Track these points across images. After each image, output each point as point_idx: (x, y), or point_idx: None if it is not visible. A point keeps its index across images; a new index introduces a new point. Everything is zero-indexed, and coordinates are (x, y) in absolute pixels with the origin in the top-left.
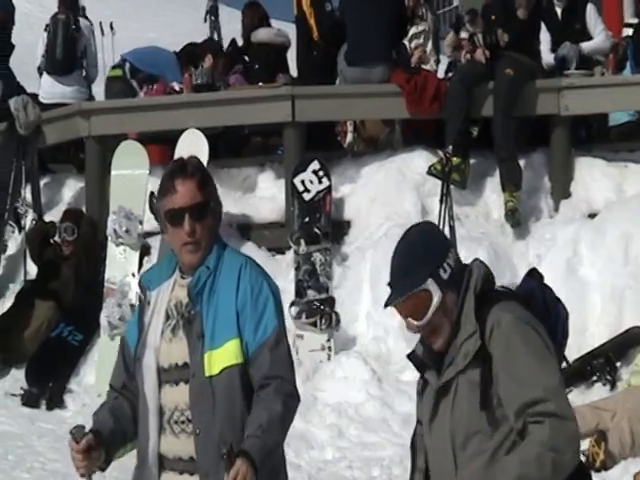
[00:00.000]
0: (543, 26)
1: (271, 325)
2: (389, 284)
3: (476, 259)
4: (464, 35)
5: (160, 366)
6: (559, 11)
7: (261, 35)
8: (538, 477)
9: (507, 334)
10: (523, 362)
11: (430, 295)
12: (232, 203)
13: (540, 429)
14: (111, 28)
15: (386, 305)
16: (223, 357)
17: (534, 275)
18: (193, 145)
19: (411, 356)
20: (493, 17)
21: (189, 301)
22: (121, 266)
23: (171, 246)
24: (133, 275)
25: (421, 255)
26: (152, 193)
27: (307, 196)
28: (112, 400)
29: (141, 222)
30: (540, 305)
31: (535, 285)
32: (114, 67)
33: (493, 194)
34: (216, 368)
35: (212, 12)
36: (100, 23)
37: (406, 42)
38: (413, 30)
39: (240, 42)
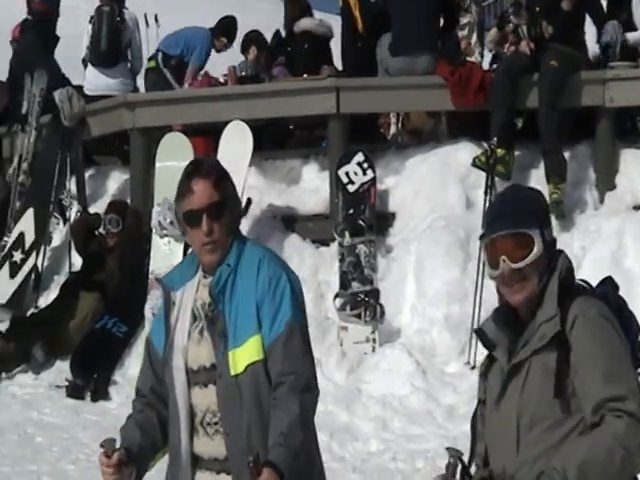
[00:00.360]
0: (588, 17)
1: (285, 318)
2: (491, 220)
3: (561, 250)
4: (508, 30)
5: (189, 367)
6: (604, 2)
7: (304, 24)
8: (603, 468)
9: (593, 328)
10: (609, 358)
11: (532, 244)
12: (276, 195)
13: (617, 422)
14: (156, 20)
15: (481, 238)
16: (246, 354)
17: (609, 283)
18: (237, 137)
19: (479, 332)
20: (537, 9)
21: (211, 300)
22: (165, 258)
23: (192, 247)
24: None
25: (533, 206)
26: (78, 222)
27: (351, 188)
28: (137, 413)
29: None
30: (615, 311)
31: (610, 291)
32: (149, 59)
33: (537, 186)
34: (240, 366)
35: None
36: (145, 15)
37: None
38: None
39: (284, 34)
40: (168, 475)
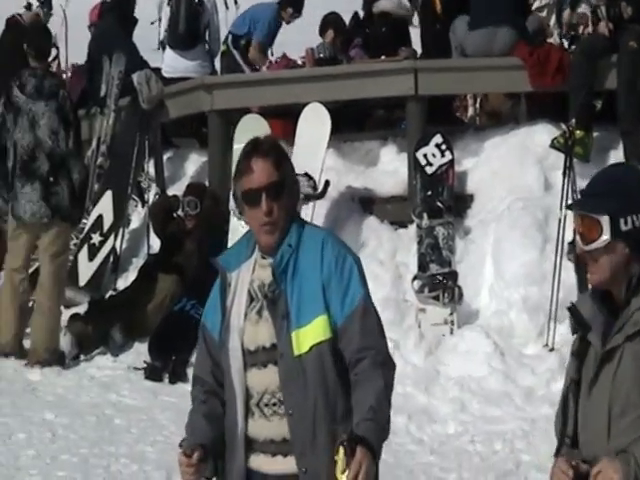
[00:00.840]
0: None
1: (358, 295)
2: (580, 195)
3: None
4: (583, 10)
5: (246, 349)
6: None
7: (383, 5)
8: None
9: None
10: None
11: (600, 230)
12: (354, 177)
13: None
14: (235, 2)
15: (567, 207)
16: (312, 334)
17: None
18: (315, 119)
19: (572, 310)
20: None
21: (272, 281)
22: None
23: (249, 227)
24: None
25: (619, 190)
26: (157, 204)
27: (429, 170)
28: (200, 405)
29: None
30: None
31: None
32: (223, 42)
33: None
34: (305, 346)
35: None
36: None
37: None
38: (537, 4)
39: (362, 15)
40: (224, 459)
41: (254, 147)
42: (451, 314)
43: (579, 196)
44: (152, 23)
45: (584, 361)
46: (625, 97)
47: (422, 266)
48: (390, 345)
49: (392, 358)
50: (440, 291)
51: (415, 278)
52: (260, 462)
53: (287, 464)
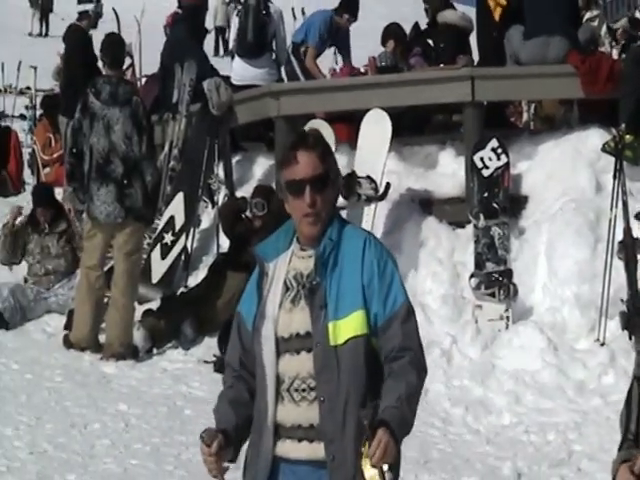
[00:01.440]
0: None
1: (400, 299)
2: None
3: None
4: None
5: (279, 336)
6: None
7: (448, 17)
8: None
9: None
10: None
11: None
12: (414, 179)
13: None
14: (302, 13)
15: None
16: (349, 327)
17: None
18: (377, 124)
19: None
20: None
21: (311, 271)
22: None
23: (292, 216)
24: None
25: None
26: (226, 205)
27: (486, 172)
28: (228, 389)
29: None
30: None
31: None
32: None
33: None
34: (341, 338)
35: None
36: (292, 8)
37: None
38: (588, 15)
39: (423, 26)
40: (250, 446)
41: (301, 139)
42: (506, 310)
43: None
44: (208, 32)
45: None
46: None
47: (479, 264)
48: (448, 340)
49: (426, 366)
50: (496, 288)
51: (472, 276)
52: (287, 448)
53: (313, 450)
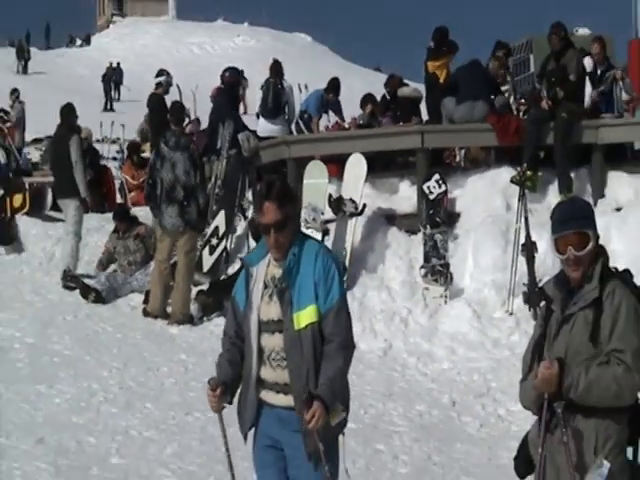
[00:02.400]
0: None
1: (336, 297)
2: (563, 221)
3: (603, 245)
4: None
5: (261, 319)
6: (599, 70)
7: (405, 91)
8: (601, 391)
9: (620, 301)
10: (624, 324)
11: (589, 240)
12: (382, 201)
13: (617, 367)
14: (305, 88)
15: (554, 232)
16: (306, 316)
17: (627, 271)
18: (357, 164)
19: (541, 290)
20: (553, 79)
21: (281, 277)
22: None
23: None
24: None
25: (591, 214)
26: (252, 219)
27: (431, 196)
28: (226, 352)
29: (322, 213)
30: (633, 291)
31: (628, 277)
32: None
33: (553, 196)
34: (302, 324)
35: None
36: (299, 84)
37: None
38: (503, 87)
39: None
40: (241, 393)
41: (266, 192)
42: (445, 290)
43: (562, 222)
44: (240, 101)
45: (548, 324)
46: (560, 150)
47: (426, 259)
48: (405, 311)
49: (353, 342)
50: (438, 276)
51: (422, 267)
52: (268, 397)
53: (287, 400)
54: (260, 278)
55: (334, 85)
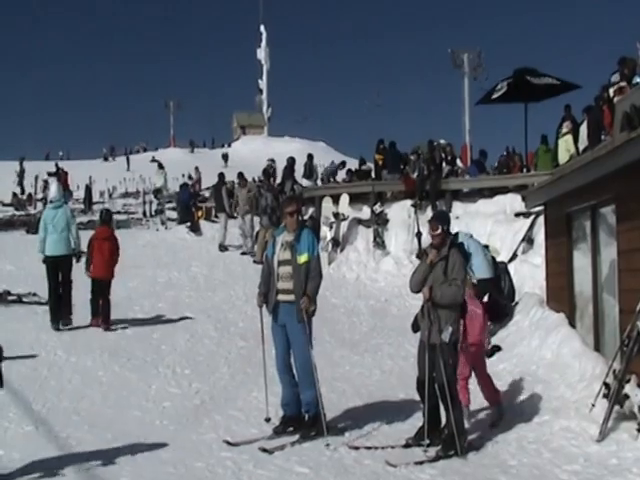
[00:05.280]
0: None
1: (314, 253)
2: (434, 217)
3: (456, 233)
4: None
5: (279, 259)
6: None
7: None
8: (447, 297)
9: (455, 256)
10: (457, 266)
11: (440, 227)
12: (355, 213)
13: (454, 287)
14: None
15: (431, 222)
16: (302, 258)
17: (462, 244)
18: (345, 197)
19: (423, 250)
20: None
21: (291, 241)
22: (326, 236)
23: (285, 221)
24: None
25: (446, 216)
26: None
27: (377, 212)
28: (266, 276)
29: (330, 219)
30: (461, 249)
31: (460, 242)
32: None
33: (429, 212)
34: (300, 262)
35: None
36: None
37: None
38: (412, 158)
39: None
40: (269, 296)
41: (289, 201)
42: (384, 250)
43: (434, 217)
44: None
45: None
46: (432, 191)
47: (374, 239)
48: (365, 260)
49: (322, 273)
50: (379, 246)
51: (373, 242)
52: (282, 297)
53: (292, 298)
54: (279, 241)
55: (341, 164)
